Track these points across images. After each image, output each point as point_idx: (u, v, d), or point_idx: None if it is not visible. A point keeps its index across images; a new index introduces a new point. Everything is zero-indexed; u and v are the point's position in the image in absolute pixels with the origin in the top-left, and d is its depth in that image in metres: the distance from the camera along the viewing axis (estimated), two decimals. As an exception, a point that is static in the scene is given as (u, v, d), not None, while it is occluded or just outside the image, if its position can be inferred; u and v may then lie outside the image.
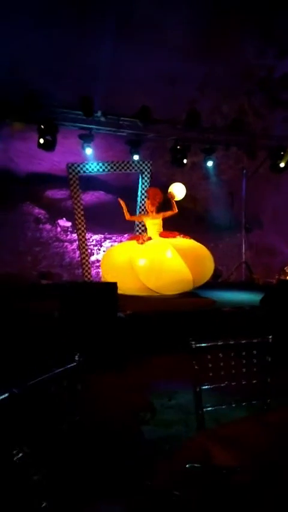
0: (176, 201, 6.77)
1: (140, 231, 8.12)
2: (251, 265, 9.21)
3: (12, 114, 7.27)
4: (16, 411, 1.40)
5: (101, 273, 7.11)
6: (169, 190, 6.81)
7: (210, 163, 8.81)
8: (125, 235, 10.23)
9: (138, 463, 2.56)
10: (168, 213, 6.69)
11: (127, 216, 6.83)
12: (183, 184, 7.02)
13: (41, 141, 7.27)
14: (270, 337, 1.88)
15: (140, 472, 2.41)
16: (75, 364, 1.60)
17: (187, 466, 1.20)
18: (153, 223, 6.66)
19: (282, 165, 8.88)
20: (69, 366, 1.58)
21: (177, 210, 6.66)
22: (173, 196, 6.71)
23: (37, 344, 3.91)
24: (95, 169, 8.21)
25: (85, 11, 7.00)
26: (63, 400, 1.59)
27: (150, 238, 6.48)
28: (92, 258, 10.05)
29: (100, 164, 8.20)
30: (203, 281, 6.40)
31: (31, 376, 1.51)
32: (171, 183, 7.10)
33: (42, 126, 7.19)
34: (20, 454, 1.41)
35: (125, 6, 6.97)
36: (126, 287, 6.07)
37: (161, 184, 7.37)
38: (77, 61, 7.72)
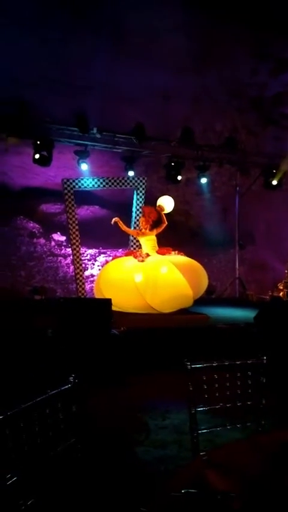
0: (166, 214, 6.88)
1: (134, 246, 8.15)
2: (244, 281, 9.26)
3: (8, 129, 7.35)
4: (8, 434, 1.38)
5: (94, 289, 7.07)
6: (158, 203, 6.91)
7: (204, 180, 8.94)
8: (120, 250, 10.25)
9: (133, 485, 2.52)
10: (160, 228, 6.74)
11: (123, 227, 6.91)
12: (176, 199, 7.13)
13: (37, 156, 7.34)
14: (264, 358, 1.89)
15: (136, 495, 2.37)
16: (69, 385, 1.59)
17: (182, 491, 1.19)
18: (147, 240, 6.70)
19: (274, 182, 9.04)
20: (63, 387, 1.57)
21: (166, 222, 6.74)
22: (162, 209, 6.82)
23: (30, 362, 3.86)
24: (90, 185, 8.28)
25: (80, 28, 7.17)
26: (58, 422, 1.58)
27: (148, 255, 6.50)
28: (86, 273, 10.03)
29: (95, 180, 8.28)
30: (198, 295, 6.43)
31: (25, 398, 1.49)
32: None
33: (38, 142, 7.27)
34: (15, 478, 1.38)
35: (120, 24, 7.15)
36: (125, 304, 6.03)
37: (155, 200, 7.44)
38: (73, 78, 7.87)
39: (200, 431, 1.82)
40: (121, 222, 6.84)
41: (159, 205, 6.86)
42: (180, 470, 1.39)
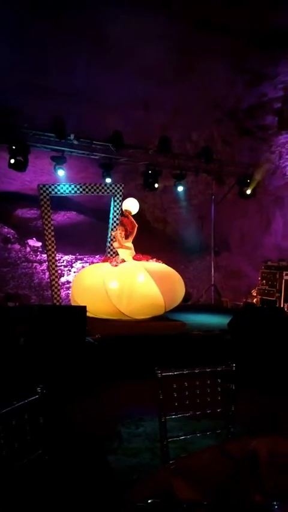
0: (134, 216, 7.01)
1: (111, 252, 8.14)
2: (219, 287, 9.40)
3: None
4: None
5: (70, 296, 7.00)
6: (125, 208, 7.04)
7: (180, 188, 9.06)
8: (97, 256, 10.20)
9: (104, 495, 2.50)
10: (134, 232, 6.81)
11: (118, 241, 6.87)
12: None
13: (12, 161, 7.24)
14: (234, 365, 1.92)
15: (107, 504, 2.34)
16: (37, 396, 1.57)
17: (149, 501, 1.19)
18: (125, 248, 6.73)
19: (248, 191, 9.27)
20: (31, 398, 1.54)
21: (136, 224, 6.90)
22: (130, 213, 6.93)
23: (0, 371, 3.77)
24: (67, 191, 8.22)
25: (60, 36, 7.16)
26: (24, 434, 1.55)
27: (123, 261, 6.51)
28: (62, 279, 9.92)
29: (72, 186, 8.23)
30: (173, 306, 6.46)
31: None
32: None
33: (13, 147, 7.17)
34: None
35: (101, 34, 7.20)
36: (98, 310, 6.00)
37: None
38: (52, 84, 7.84)
39: (170, 440, 1.82)
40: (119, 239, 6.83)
41: (126, 210, 6.98)
42: (146, 480, 1.39)
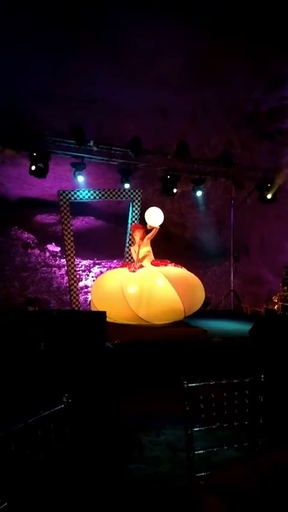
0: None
1: (129, 257, 8.15)
2: (239, 293, 9.26)
3: (4, 141, 7.38)
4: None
5: (89, 301, 7.02)
6: (149, 224, 6.63)
7: (199, 193, 9.00)
8: (114, 261, 10.23)
9: (125, 504, 2.46)
10: (152, 233, 6.59)
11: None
12: (171, 211, 7.05)
13: (33, 168, 7.36)
14: (262, 376, 1.87)
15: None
16: (62, 406, 1.56)
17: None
18: (143, 252, 6.68)
19: (269, 196, 9.13)
20: (57, 408, 1.53)
21: (158, 227, 6.57)
22: (152, 227, 6.60)
23: (21, 378, 3.79)
24: (86, 197, 8.29)
25: (80, 42, 7.26)
26: (49, 444, 1.54)
27: (142, 266, 6.47)
28: (81, 284, 9.98)
29: (91, 192, 8.29)
30: (193, 310, 6.37)
31: (16, 418, 1.45)
32: (163, 211, 6.98)
33: (34, 154, 7.29)
34: (5, 504, 1.34)
35: (120, 40, 7.26)
36: (116, 315, 6.00)
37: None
38: (72, 91, 7.95)
39: (196, 452, 1.78)
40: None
41: (150, 226, 6.68)
42: (177, 496, 1.36)
